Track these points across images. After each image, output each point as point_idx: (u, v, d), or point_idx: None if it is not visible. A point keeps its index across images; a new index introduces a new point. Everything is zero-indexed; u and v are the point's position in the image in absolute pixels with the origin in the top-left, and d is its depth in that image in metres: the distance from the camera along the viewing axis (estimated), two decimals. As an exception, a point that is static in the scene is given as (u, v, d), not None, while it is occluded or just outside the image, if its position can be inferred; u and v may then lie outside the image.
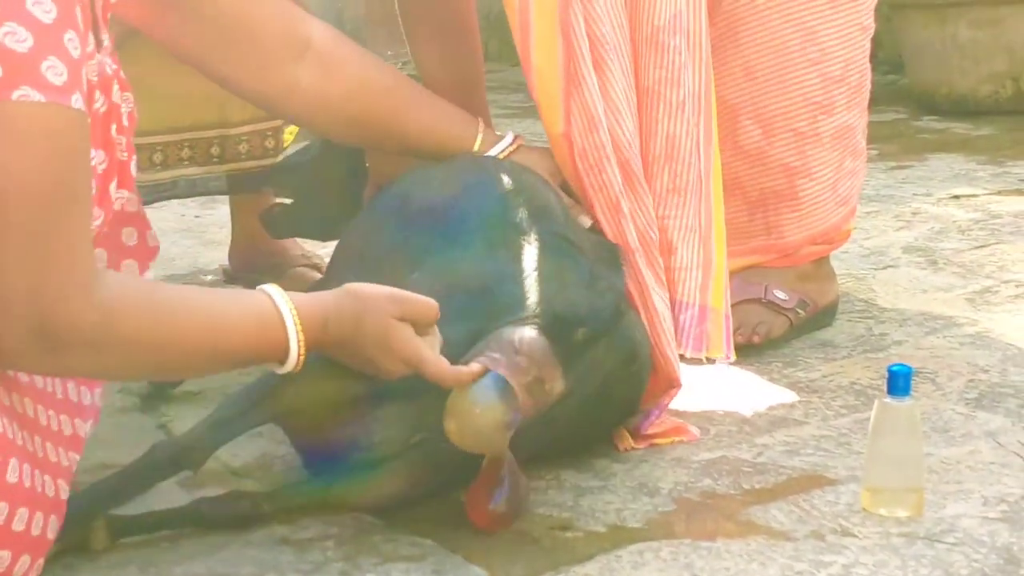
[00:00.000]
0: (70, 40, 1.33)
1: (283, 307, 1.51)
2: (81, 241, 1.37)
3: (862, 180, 2.45)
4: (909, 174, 3.78)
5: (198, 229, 3.39)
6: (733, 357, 2.09)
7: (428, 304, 1.60)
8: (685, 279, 2.06)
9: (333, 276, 1.90)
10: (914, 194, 3.52)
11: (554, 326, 1.67)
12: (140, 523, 1.63)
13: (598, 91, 1.98)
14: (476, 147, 1.98)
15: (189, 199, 3.32)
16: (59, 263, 1.33)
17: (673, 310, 2.05)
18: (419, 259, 1.79)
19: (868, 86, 2.38)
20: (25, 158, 1.30)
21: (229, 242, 2.89)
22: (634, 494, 1.75)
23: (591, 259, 1.85)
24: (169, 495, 1.72)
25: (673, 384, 1.94)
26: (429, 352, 1.58)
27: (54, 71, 1.30)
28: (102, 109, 1.50)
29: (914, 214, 3.29)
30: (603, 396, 1.79)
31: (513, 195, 1.87)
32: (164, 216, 3.33)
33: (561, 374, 1.66)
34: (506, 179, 1.90)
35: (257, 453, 1.91)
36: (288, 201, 2.40)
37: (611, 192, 1.98)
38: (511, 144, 2.00)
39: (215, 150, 2.71)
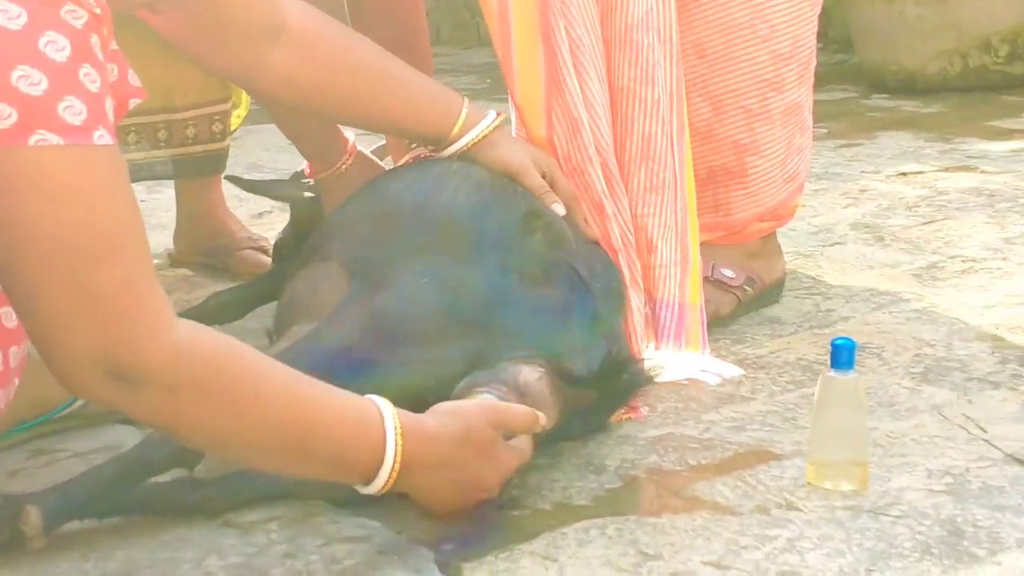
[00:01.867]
0: (87, 75, 1.27)
1: (387, 413, 1.45)
2: (139, 279, 1.30)
3: (809, 156, 2.45)
4: (858, 152, 3.80)
5: (144, 213, 3.32)
6: (708, 350, 2.10)
7: (524, 414, 1.57)
8: (665, 277, 2.08)
9: (333, 251, 1.86)
10: (862, 171, 3.53)
11: (552, 369, 1.70)
12: (86, 508, 1.59)
13: (580, 94, 1.99)
14: (460, 123, 1.95)
15: (135, 183, 3.29)
16: (119, 307, 1.28)
17: (654, 308, 2.07)
18: (432, 265, 1.76)
19: (814, 62, 2.38)
20: (53, 207, 1.25)
21: (174, 226, 2.87)
22: (580, 472, 1.75)
23: (596, 295, 1.86)
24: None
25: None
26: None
27: (72, 111, 1.25)
28: None
29: (862, 191, 3.31)
30: (578, 419, 1.80)
31: (532, 218, 1.87)
32: (110, 201, 3.29)
33: (556, 416, 1.70)
34: (526, 202, 1.90)
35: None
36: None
37: (594, 193, 2.00)
38: (495, 120, 1.97)
39: (162, 134, 2.70)
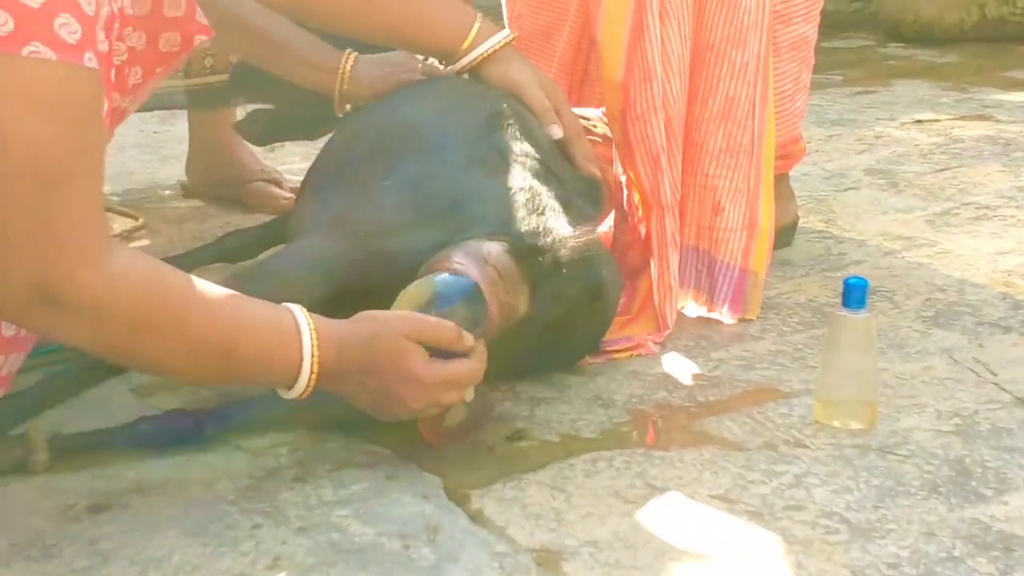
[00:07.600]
0: None
1: (303, 323, 1.43)
2: (91, 209, 1.30)
3: (809, 95, 2.43)
4: (873, 99, 3.77)
5: (156, 144, 3.35)
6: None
7: (445, 327, 1.49)
8: (729, 240, 2.06)
9: (309, 182, 1.88)
10: (877, 118, 3.51)
11: (521, 246, 1.65)
12: (81, 442, 1.60)
13: (659, 43, 1.97)
14: (471, 38, 1.91)
15: (148, 114, 3.28)
16: (67, 233, 1.27)
17: (713, 270, 2.06)
18: (395, 168, 1.76)
19: (821, 2, 2.35)
20: (35, 121, 1.23)
21: (186, 157, 2.86)
22: (589, 405, 1.75)
23: (569, 188, 1.84)
24: (119, 399, 1.74)
25: (653, 339, 1.95)
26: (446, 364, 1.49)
27: (67, 28, 1.24)
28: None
29: (876, 137, 3.29)
30: (564, 328, 1.76)
31: (498, 118, 1.85)
32: (123, 132, 3.23)
33: (525, 293, 1.65)
34: (494, 102, 1.88)
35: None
36: (264, 107, 2.33)
37: (652, 145, 1.98)
38: (507, 37, 1.94)
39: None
